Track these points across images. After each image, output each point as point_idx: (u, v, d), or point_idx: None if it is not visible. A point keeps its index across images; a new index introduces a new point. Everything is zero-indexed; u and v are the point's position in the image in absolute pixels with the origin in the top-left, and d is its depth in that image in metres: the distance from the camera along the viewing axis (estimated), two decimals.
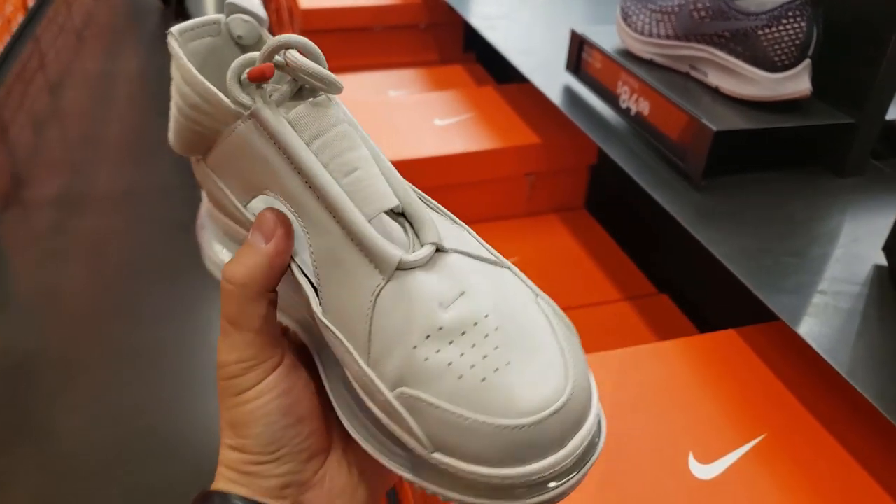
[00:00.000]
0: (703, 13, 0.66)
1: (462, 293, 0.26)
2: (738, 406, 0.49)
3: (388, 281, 0.26)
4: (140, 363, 1.65)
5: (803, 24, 0.59)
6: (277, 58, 0.27)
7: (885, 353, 0.45)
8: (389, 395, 0.25)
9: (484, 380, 0.24)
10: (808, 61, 0.60)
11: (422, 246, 0.27)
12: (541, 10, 1.08)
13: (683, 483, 0.44)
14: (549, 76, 0.85)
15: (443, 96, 1.01)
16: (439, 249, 0.27)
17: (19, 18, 3.50)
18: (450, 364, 0.24)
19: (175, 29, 0.29)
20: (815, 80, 0.62)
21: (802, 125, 0.62)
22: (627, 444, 0.46)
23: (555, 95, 0.81)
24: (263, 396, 0.28)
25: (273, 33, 0.31)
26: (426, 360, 0.24)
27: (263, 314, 0.28)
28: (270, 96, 0.27)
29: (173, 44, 0.29)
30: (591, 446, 0.25)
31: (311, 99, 0.28)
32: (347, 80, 1.07)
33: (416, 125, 0.93)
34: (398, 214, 0.29)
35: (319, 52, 0.28)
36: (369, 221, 0.26)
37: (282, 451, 0.28)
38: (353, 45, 1.30)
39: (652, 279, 0.84)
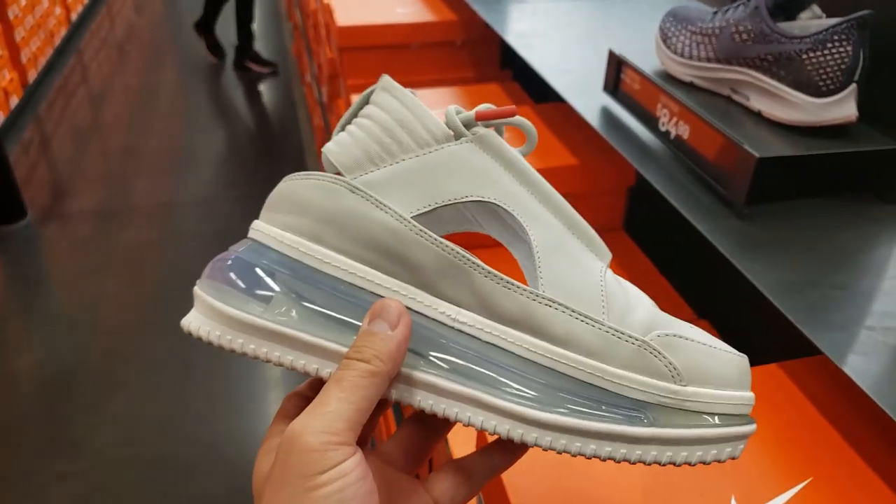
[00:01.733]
0: (744, 36, 0.64)
1: None
2: (784, 447, 0.48)
3: (606, 265, 0.33)
4: (176, 376, 1.67)
5: (849, 48, 0.58)
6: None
7: None
8: (646, 339, 0.31)
9: None
10: (853, 86, 0.59)
11: None
12: (579, 28, 1.07)
13: None
14: (587, 96, 0.84)
15: None
16: None
17: (62, 32, 3.59)
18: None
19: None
20: (863, 104, 0.60)
21: (849, 151, 0.60)
22: (668, 486, 0.45)
23: (592, 116, 0.80)
24: (343, 479, 0.25)
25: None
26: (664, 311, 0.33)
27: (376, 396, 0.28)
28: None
29: (391, 82, 0.34)
30: None
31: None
32: None
33: None
34: None
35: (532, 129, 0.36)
36: None
37: None
38: (390, 62, 1.30)
39: (691, 305, 0.82)
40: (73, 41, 3.73)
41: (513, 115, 0.34)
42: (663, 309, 0.33)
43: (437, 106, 1.13)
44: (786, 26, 0.63)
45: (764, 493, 0.45)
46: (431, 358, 0.30)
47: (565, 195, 0.35)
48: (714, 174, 0.64)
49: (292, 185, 0.33)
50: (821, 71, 0.59)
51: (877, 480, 0.46)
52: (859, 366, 0.46)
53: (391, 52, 1.29)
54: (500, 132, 0.35)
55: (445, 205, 0.32)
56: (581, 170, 0.87)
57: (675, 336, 0.31)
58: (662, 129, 0.71)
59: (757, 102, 0.65)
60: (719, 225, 0.60)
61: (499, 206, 0.33)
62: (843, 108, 0.60)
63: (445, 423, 0.33)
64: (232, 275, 0.31)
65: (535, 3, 1.13)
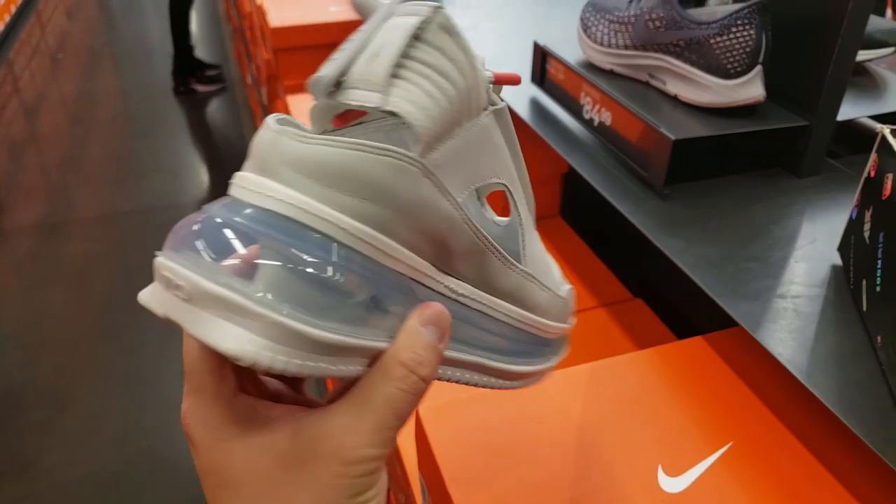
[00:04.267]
0: (657, 23, 0.67)
1: None
2: (707, 414, 0.50)
3: None
4: (127, 390, 1.64)
5: (752, 31, 0.61)
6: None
7: (841, 357, 0.46)
8: (564, 295, 0.37)
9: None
10: (759, 67, 0.62)
11: None
12: (508, 22, 1.09)
13: (653, 498, 0.45)
14: (517, 88, 0.86)
15: None
16: None
17: None
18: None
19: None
20: (771, 84, 0.63)
21: (759, 129, 0.63)
22: (597, 460, 0.47)
23: (522, 107, 0.82)
24: (377, 498, 0.24)
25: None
26: None
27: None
28: None
29: (451, 19, 0.27)
30: None
31: None
32: None
33: None
34: None
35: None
36: None
37: None
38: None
39: (626, 285, 0.85)
40: (1, 52, 3.61)
41: (519, 82, 0.32)
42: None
43: None
44: (694, 12, 0.65)
45: (688, 460, 0.47)
46: None
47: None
48: (635, 157, 0.66)
49: (358, 161, 0.24)
50: (728, 54, 0.62)
51: (793, 440, 0.49)
52: (772, 333, 0.49)
53: (327, 52, 1.29)
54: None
55: (476, 188, 0.29)
56: None
57: (571, 286, 0.39)
58: (587, 116, 0.73)
59: (672, 87, 0.67)
60: (641, 206, 0.63)
61: (506, 187, 0.32)
62: (750, 88, 0.62)
63: None
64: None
65: None
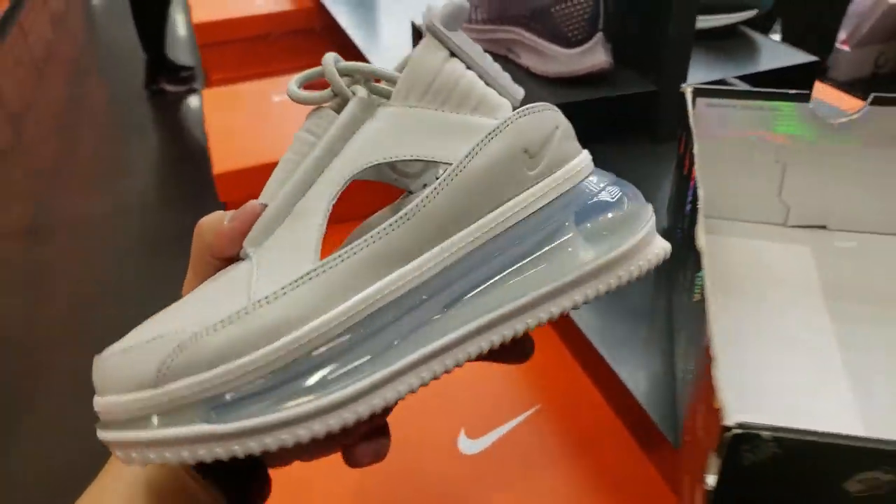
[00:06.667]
0: None
1: None
2: (518, 378, 0.51)
3: None
4: (90, 392, 1.67)
5: None
6: None
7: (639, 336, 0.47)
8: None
9: None
10: (599, 34, 0.62)
11: None
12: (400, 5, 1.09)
13: (450, 459, 0.45)
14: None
15: None
16: None
17: None
18: None
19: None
20: (623, 53, 0.63)
21: (605, 97, 0.63)
22: (401, 425, 0.47)
23: None
24: None
25: None
26: None
27: None
28: None
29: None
30: None
31: None
32: (238, 89, 1.08)
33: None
34: None
35: None
36: None
37: None
38: (251, 53, 1.31)
39: None
40: None
41: None
42: None
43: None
44: None
45: (493, 422, 0.48)
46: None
47: None
48: None
49: None
50: (568, 22, 0.62)
51: (602, 404, 0.49)
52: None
53: (251, 44, 1.30)
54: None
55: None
56: None
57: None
58: None
59: (526, 59, 0.68)
60: None
61: None
62: (592, 56, 0.62)
63: None
64: None
65: None
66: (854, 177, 0.46)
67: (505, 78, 0.30)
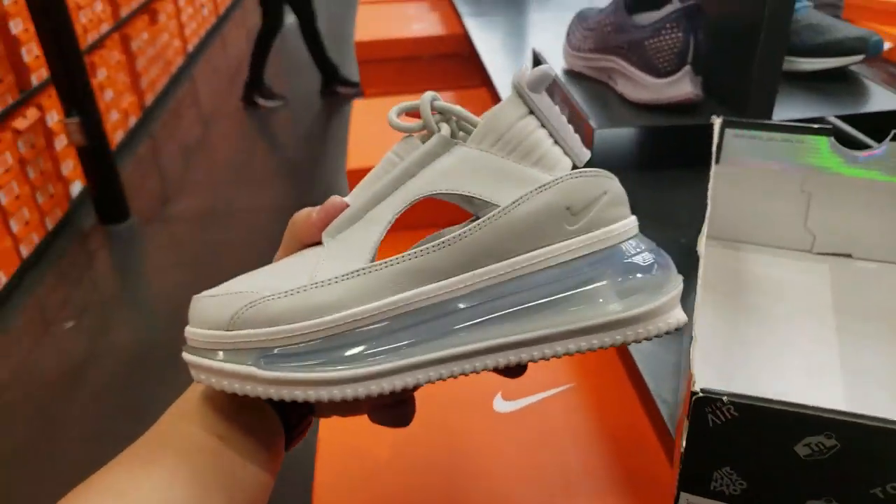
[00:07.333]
0: (609, 28, 0.74)
1: None
2: (564, 359, 0.57)
3: None
4: None
5: (680, 34, 0.66)
6: None
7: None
8: None
9: None
10: (687, 67, 0.67)
11: None
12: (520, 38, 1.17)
13: (483, 415, 0.53)
14: None
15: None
16: None
17: (179, 61, 4.01)
18: None
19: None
20: (715, 85, 0.68)
21: (686, 125, 0.68)
22: (449, 383, 0.55)
23: None
24: None
25: None
26: None
27: None
28: None
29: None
30: None
31: None
32: (384, 101, 1.22)
33: None
34: None
35: None
36: None
37: None
38: (405, 73, 1.45)
39: None
40: (187, 69, 4.16)
41: None
42: None
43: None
44: (638, 18, 0.71)
45: (528, 390, 0.54)
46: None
47: None
48: None
49: None
50: (659, 55, 0.68)
51: (633, 397, 0.54)
52: None
53: (404, 64, 1.44)
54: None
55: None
56: None
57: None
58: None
59: (621, 86, 0.74)
60: None
61: None
62: (679, 86, 0.68)
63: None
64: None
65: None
66: (880, 208, 0.48)
67: (574, 140, 0.34)
